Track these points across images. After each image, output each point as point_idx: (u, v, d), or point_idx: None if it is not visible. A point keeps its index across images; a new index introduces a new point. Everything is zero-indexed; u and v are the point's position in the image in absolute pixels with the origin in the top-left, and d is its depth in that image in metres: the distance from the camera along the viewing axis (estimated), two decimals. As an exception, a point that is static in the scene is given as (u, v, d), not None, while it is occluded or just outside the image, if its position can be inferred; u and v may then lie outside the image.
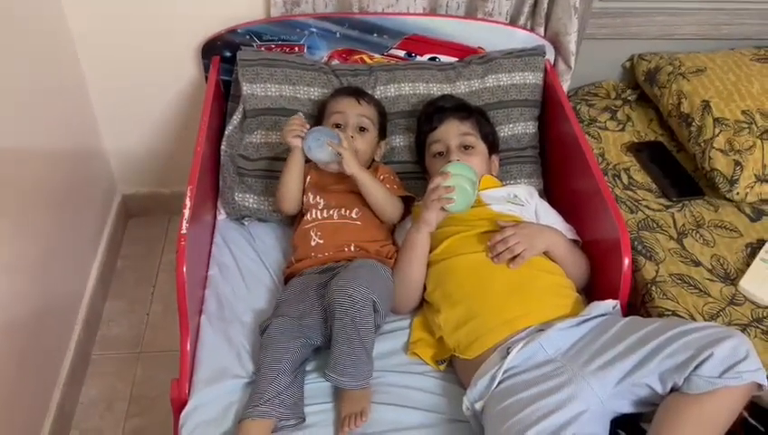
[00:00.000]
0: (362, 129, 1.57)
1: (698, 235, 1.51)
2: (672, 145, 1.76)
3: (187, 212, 1.32)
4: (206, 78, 1.75)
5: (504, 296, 1.31)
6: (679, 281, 1.40)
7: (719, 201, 1.60)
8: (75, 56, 1.79)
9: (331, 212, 1.50)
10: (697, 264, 1.45)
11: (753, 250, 1.48)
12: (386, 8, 1.73)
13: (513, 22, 1.79)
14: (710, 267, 1.44)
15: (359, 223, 1.48)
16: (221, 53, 1.75)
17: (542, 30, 1.79)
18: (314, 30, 1.73)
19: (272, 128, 1.66)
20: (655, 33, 1.88)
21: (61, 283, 1.67)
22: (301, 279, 1.41)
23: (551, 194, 1.71)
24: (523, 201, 1.52)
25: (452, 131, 1.55)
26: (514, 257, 1.33)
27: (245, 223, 1.63)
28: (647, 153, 1.73)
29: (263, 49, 1.74)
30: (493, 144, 1.62)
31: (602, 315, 1.28)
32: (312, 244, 1.46)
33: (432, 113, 1.59)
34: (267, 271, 1.52)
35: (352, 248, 1.45)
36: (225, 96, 1.77)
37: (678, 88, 1.73)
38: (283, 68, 1.68)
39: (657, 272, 1.42)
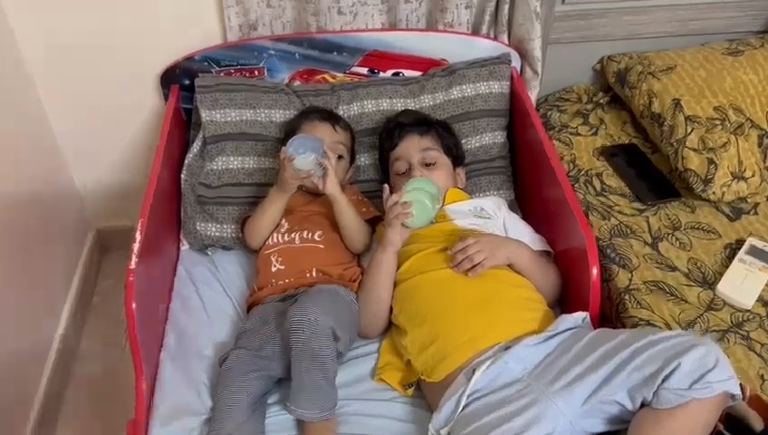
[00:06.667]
0: (339, 156, 1.54)
1: (674, 238, 1.46)
2: (647, 147, 1.71)
3: (136, 246, 1.28)
4: (169, 107, 1.73)
5: (468, 313, 1.26)
6: (654, 288, 1.35)
7: (696, 202, 1.55)
8: (36, 94, 1.77)
9: (293, 236, 1.46)
10: (673, 269, 1.39)
11: (733, 251, 1.42)
12: (343, 26, 1.70)
13: (475, 31, 1.75)
14: (686, 272, 1.38)
15: (321, 246, 1.44)
16: (180, 82, 1.72)
17: (505, 37, 1.75)
18: (273, 52, 1.70)
19: (233, 154, 1.63)
20: (623, 34, 1.84)
21: (29, 322, 1.63)
22: (261, 308, 1.37)
23: (523, 204, 1.66)
24: (489, 214, 1.48)
25: (412, 148, 1.51)
26: (474, 267, 1.28)
27: (209, 253, 1.60)
28: (620, 157, 1.68)
29: (222, 75, 1.72)
30: (457, 157, 1.58)
31: (571, 329, 1.22)
32: (273, 269, 1.42)
33: (392, 130, 1.56)
34: (230, 301, 1.48)
35: (314, 273, 1.41)
36: (188, 124, 1.74)
37: (649, 87, 1.68)
38: (243, 92, 1.65)
39: (630, 280, 1.37)
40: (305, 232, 1.46)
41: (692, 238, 1.46)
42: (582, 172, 1.64)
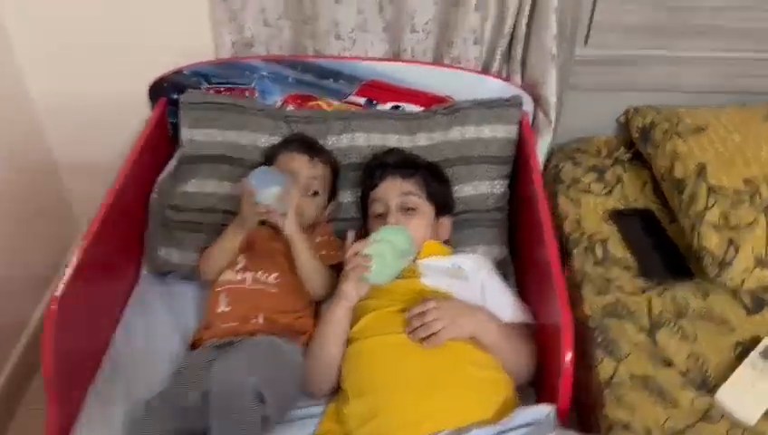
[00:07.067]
0: (314, 193, 1.42)
1: (677, 327, 1.26)
2: (664, 214, 1.51)
3: (69, 271, 1.19)
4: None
5: (414, 390, 1.10)
6: (641, 385, 1.16)
7: (711, 286, 1.34)
8: (31, 102, 1.73)
9: (246, 275, 1.34)
10: (669, 364, 1.19)
11: (745, 350, 1.21)
12: (341, 52, 1.58)
13: (485, 69, 1.60)
14: (684, 370, 1.18)
15: (274, 290, 1.32)
16: (169, 95, 1.64)
17: (518, 78, 1.59)
18: (265, 73, 1.60)
19: (208, 176, 1.53)
20: (654, 85, 1.64)
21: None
22: (197, 353, 1.26)
23: (518, 263, 1.50)
24: (467, 275, 1.32)
25: (392, 190, 1.38)
26: (430, 336, 1.13)
27: (169, 281, 1.49)
28: (631, 223, 1.48)
29: (211, 92, 1.62)
30: (444, 205, 1.43)
31: (528, 425, 1.05)
32: (219, 310, 1.30)
33: (374, 169, 1.43)
34: (178, 337, 1.37)
35: (260, 320, 1.28)
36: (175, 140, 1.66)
37: (673, 148, 1.48)
38: (229, 112, 1.55)
39: (615, 371, 1.18)
40: (260, 272, 1.33)
41: (698, 330, 1.25)
42: (585, 236, 1.45)
